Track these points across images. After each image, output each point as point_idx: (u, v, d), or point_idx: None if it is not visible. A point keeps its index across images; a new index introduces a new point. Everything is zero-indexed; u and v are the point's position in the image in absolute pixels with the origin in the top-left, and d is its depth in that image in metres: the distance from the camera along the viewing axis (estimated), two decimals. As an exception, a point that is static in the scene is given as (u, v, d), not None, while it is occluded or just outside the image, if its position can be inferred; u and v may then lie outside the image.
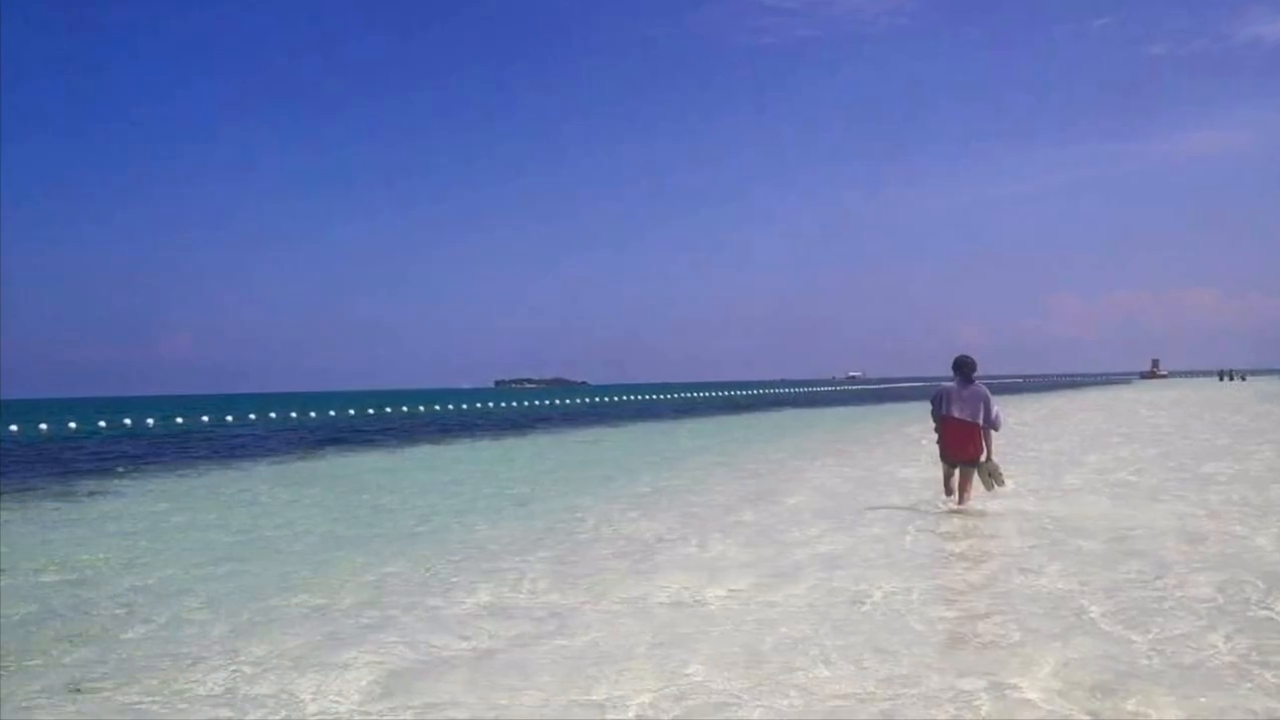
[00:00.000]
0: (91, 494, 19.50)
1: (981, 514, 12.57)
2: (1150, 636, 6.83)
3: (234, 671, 6.70)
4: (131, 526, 14.36)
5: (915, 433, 29.39)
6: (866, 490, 15.77)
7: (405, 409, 73.65)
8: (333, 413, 68.54)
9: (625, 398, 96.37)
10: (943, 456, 13.28)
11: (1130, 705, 5.48)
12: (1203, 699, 5.56)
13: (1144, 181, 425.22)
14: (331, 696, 6.10)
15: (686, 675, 6.25)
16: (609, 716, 5.58)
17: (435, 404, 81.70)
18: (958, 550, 10.33)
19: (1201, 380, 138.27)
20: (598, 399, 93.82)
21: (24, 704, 6.20)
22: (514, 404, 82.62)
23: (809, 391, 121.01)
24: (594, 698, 5.90)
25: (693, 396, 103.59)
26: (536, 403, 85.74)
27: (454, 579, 9.63)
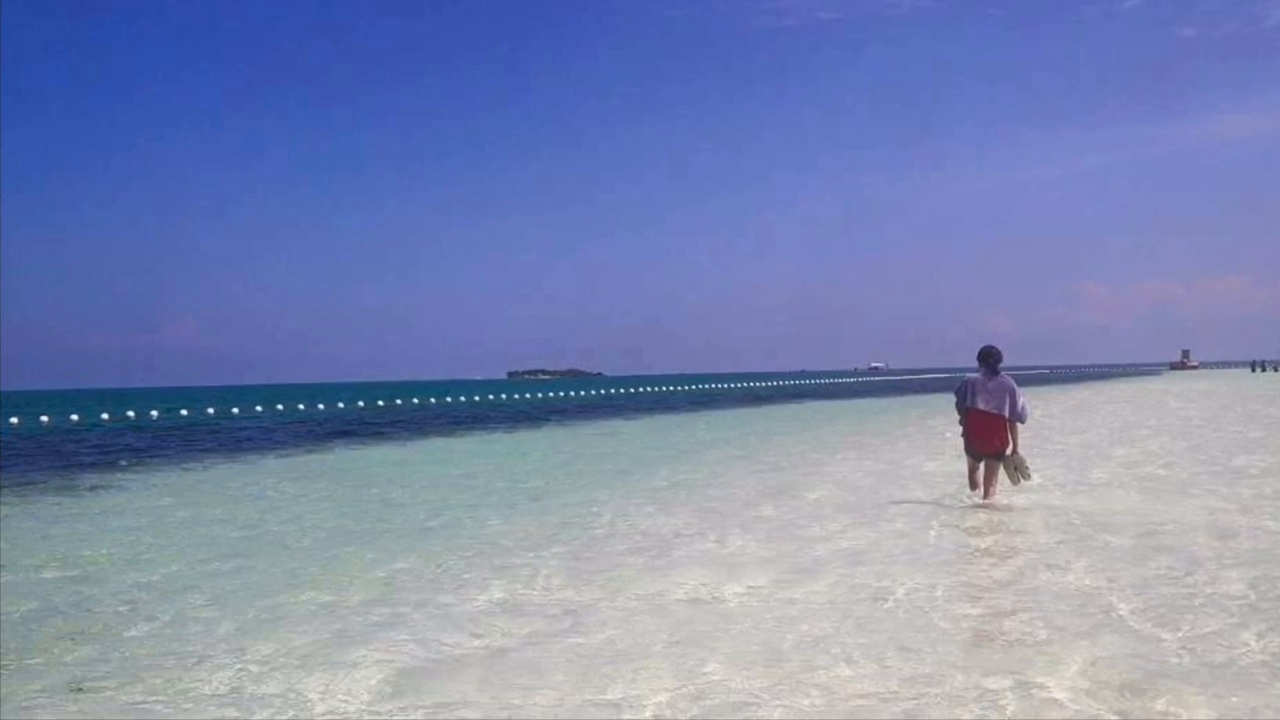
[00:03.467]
0: (94, 488, 19.41)
1: (1007, 508, 12.36)
2: (1180, 634, 6.65)
3: (240, 670, 6.55)
4: (135, 521, 14.25)
5: (939, 425, 29.19)
6: (889, 484, 15.57)
7: (415, 401, 73.59)
8: (341, 405, 68.50)
9: (642, 389, 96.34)
10: (967, 449, 13.08)
11: (1160, 705, 5.32)
12: (1234, 698, 5.41)
13: (1174, 166, 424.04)
14: (340, 696, 5.95)
15: (705, 674, 6.09)
16: (625, 716, 5.43)
17: (446, 396, 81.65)
18: (983, 546, 10.14)
19: (1233, 371, 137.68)
20: (614, 390, 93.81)
21: (25, 703, 6.07)
22: (527, 396, 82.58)
23: (830, 383, 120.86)
24: (609, 697, 5.75)
25: (711, 388, 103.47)
26: (551, 394, 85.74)
27: (466, 575, 9.48)
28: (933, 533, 10.93)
